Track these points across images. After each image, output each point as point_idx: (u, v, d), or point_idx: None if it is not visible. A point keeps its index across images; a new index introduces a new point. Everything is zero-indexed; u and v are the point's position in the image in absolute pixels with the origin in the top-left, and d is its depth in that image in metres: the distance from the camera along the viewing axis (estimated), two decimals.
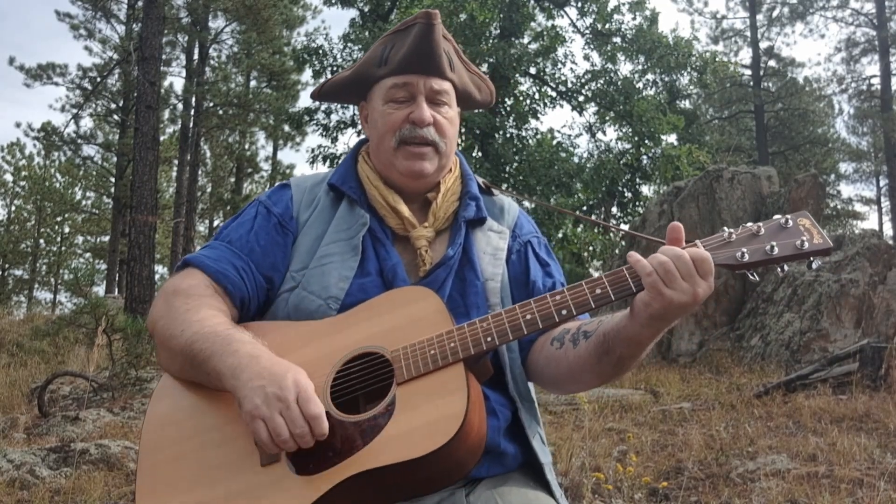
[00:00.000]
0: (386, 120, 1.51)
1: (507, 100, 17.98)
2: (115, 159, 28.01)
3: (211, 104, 24.67)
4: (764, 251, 1.26)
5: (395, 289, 1.42)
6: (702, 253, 1.24)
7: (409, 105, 1.50)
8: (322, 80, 19.16)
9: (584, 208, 19.65)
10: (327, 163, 18.02)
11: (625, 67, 24.92)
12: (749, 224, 1.31)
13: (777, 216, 1.30)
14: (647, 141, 17.80)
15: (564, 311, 1.30)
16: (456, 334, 1.30)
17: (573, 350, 1.39)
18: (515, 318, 1.31)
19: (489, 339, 1.30)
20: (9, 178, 35.19)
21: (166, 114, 26.83)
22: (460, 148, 13.02)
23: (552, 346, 1.45)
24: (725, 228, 1.32)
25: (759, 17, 31.34)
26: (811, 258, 1.27)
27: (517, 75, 17.70)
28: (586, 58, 19.79)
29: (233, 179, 31.55)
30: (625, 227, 19.98)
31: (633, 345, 1.30)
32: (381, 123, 1.52)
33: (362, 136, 1.68)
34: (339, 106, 18.69)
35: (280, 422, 1.18)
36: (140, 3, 19.10)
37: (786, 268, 1.29)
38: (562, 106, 20.00)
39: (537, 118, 19.13)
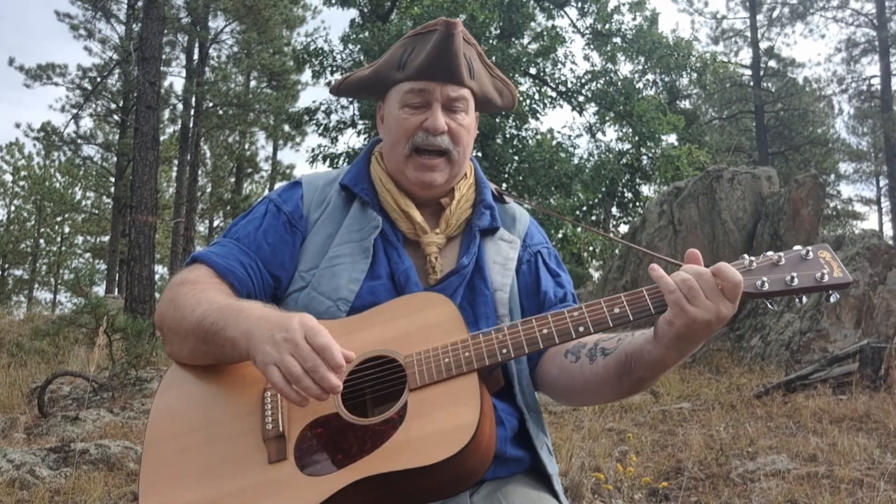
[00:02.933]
0: (400, 125, 1.49)
1: None
2: (115, 159, 28.00)
3: (211, 104, 24.64)
4: (784, 282, 1.27)
5: (411, 294, 1.41)
6: (726, 269, 1.23)
7: (424, 111, 1.48)
8: (322, 80, 18.90)
9: (584, 208, 19.64)
10: (327, 162, 17.98)
11: (625, 68, 24.91)
12: (770, 253, 1.32)
13: (797, 247, 1.31)
14: (647, 141, 17.79)
15: (582, 328, 1.29)
16: (471, 344, 1.29)
17: (589, 366, 1.38)
18: (532, 332, 1.30)
19: (504, 350, 1.29)
20: (8, 178, 35.27)
21: (166, 114, 26.80)
22: None
23: (566, 359, 1.43)
24: (746, 256, 1.32)
25: (759, 17, 31.35)
26: (830, 291, 1.28)
27: (517, 75, 17.69)
28: (586, 58, 19.82)
29: (233, 179, 31.54)
30: (624, 227, 19.97)
31: (656, 368, 1.29)
32: (396, 128, 1.50)
33: (376, 136, 1.66)
34: (338, 106, 18.66)
35: (291, 360, 1.16)
36: (140, 3, 19.08)
37: (804, 299, 1.30)
38: (562, 106, 19.99)
39: (537, 118, 19.12)
